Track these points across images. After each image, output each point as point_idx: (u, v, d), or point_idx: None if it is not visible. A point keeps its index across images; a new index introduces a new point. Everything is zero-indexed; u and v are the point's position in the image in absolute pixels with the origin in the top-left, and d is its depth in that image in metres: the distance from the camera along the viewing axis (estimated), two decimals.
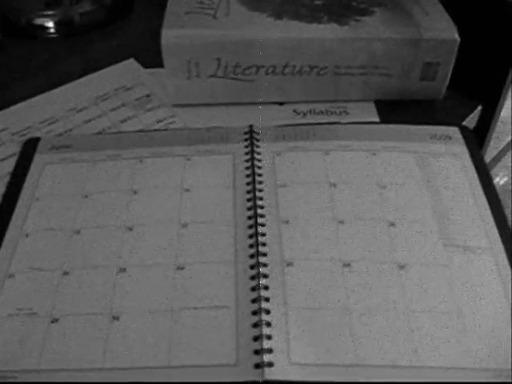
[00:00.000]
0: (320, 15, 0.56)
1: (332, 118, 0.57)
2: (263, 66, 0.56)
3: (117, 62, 0.65)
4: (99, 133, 0.56)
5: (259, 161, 0.52)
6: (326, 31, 0.55)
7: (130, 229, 0.47)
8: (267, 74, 0.57)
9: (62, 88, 0.61)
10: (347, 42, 0.55)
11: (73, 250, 0.46)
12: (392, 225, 0.47)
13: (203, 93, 0.58)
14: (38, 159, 0.53)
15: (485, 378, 0.38)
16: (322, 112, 0.58)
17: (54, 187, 0.51)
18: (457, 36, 0.54)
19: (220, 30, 0.55)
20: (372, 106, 0.58)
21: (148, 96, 0.60)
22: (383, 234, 0.46)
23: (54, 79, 0.63)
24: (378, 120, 0.57)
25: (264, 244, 0.45)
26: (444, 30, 0.55)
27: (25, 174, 0.52)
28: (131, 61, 0.64)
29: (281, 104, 0.59)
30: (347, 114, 0.58)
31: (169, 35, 0.54)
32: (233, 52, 0.55)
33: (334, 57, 0.56)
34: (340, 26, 0.55)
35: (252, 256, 0.44)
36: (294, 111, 0.58)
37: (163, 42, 0.54)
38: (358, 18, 0.56)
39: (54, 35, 0.71)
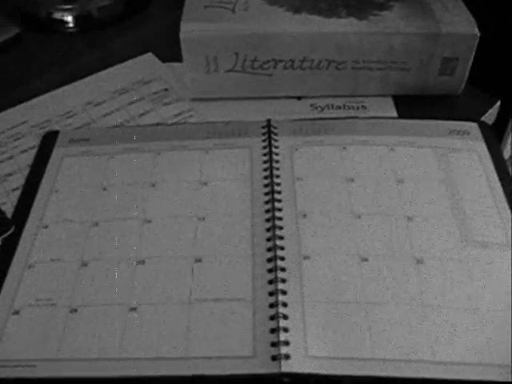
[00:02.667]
0: (339, 10, 0.56)
1: (350, 113, 0.57)
2: (281, 61, 0.56)
3: (135, 56, 0.65)
4: (117, 126, 0.56)
5: (277, 154, 0.52)
6: (344, 26, 0.55)
7: (149, 221, 0.47)
8: (285, 68, 0.57)
9: (80, 82, 0.62)
10: (366, 36, 0.54)
11: (91, 241, 0.46)
12: (410, 219, 0.47)
13: (221, 87, 0.58)
14: (57, 152, 0.54)
15: (500, 375, 0.38)
16: (339, 107, 0.58)
17: (73, 179, 0.51)
18: (476, 31, 0.54)
19: (238, 24, 0.55)
20: (390, 101, 0.58)
21: (166, 90, 0.60)
22: (401, 228, 0.46)
23: (72, 73, 0.63)
24: (395, 115, 0.57)
25: (281, 237, 0.45)
26: (463, 24, 0.55)
27: (44, 167, 0.53)
28: (149, 55, 0.65)
29: (299, 98, 0.59)
30: (365, 108, 0.58)
31: (188, 29, 0.55)
32: (251, 46, 0.55)
33: (353, 51, 0.55)
34: (359, 21, 0.55)
35: (269, 249, 0.44)
36: (312, 106, 0.58)
37: (182, 35, 0.55)
38: (376, 12, 0.56)
39: (72, 29, 0.71)
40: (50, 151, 0.54)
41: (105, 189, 0.50)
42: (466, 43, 0.55)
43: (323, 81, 0.58)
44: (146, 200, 0.49)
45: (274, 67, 0.57)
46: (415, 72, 0.57)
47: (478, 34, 0.54)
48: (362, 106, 0.58)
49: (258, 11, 0.56)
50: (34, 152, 0.54)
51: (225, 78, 0.57)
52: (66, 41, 0.70)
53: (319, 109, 0.58)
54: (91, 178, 0.51)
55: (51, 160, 0.53)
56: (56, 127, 0.57)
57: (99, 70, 0.63)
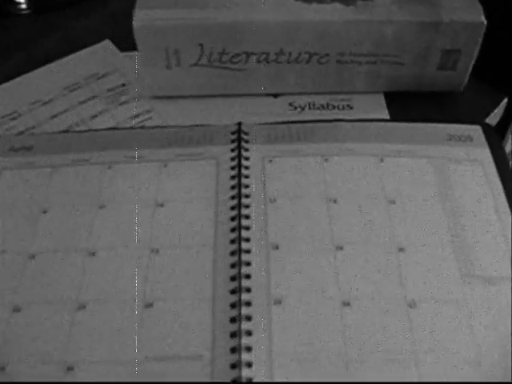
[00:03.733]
0: None
1: (334, 114, 0.49)
2: (254, 53, 0.48)
3: (92, 43, 0.56)
4: (65, 131, 0.49)
5: (247, 168, 0.44)
6: (328, 13, 0.47)
7: (93, 253, 0.40)
8: (259, 61, 0.49)
9: (29, 75, 0.53)
10: (353, 25, 0.46)
11: (25, 280, 0.39)
12: (401, 250, 0.40)
13: (185, 84, 0.50)
14: None
15: None
16: (322, 106, 0.50)
17: (10, 199, 0.44)
18: (483, 18, 0.46)
19: (201, 11, 0.47)
20: (381, 99, 0.51)
21: (123, 85, 0.52)
22: (391, 262, 0.39)
23: (21, 64, 0.55)
24: (387, 117, 0.49)
25: (248, 276, 0.38)
26: (468, 11, 0.46)
27: None
28: (106, 43, 0.56)
29: (275, 96, 0.51)
30: (351, 108, 0.50)
31: (142, 16, 0.46)
32: (217, 37, 0.47)
33: (338, 42, 0.47)
34: (345, 7, 0.47)
35: (233, 292, 0.38)
36: (290, 105, 0.50)
37: (135, 24, 0.46)
38: None
39: (25, 11, 0.63)
40: None
41: (45, 211, 0.43)
42: (471, 33, 0.47)
43: (303, 76, 0.50)
44: (92, 226, 0.42)
45: (246, 61, 0.49)
46: (410, 66, 0.49)
47: (485, 22, 0.46)
48: (348, 106, 0.50)
49: None
50: None
51: (188, 74, 0.49)
52: (17, 25, 0.61)
53: (299, 109, 0.50)
54: (31, 196, 0.44)
55: None
56: None
57: (52, 59, 0.55)
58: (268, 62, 0.49)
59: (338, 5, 0.47)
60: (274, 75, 0.50)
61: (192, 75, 0.49)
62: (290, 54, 0.48)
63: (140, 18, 0.46)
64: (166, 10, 0.47)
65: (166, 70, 0.49)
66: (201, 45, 0.47)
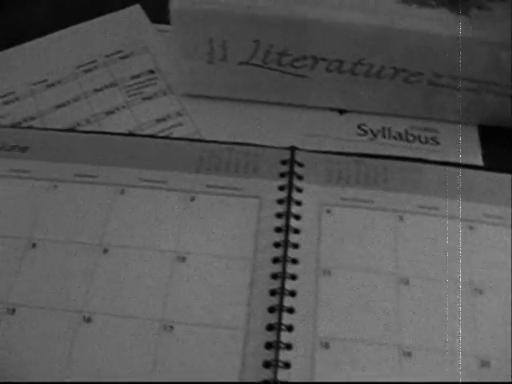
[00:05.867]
0: None
1: (414, 149, 0.39)
2: (324, 59, 0.37)
3: (119, 5, 0.45)
4: (71, 130, 0.38)
5: (297, 218, 0.34)
6: (431, 21, 0.35)
7: (88, 320, 0.31)
8: (329, 70, 0.37)
9: (29, 45, 0.42)
10: (463, 42, 0.35)
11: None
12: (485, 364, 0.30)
13: (229, 84, 0.39)
14: None
15: None
16: (399, 135, 0.39)
17: None
18: None
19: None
20: (474, 135, 0.39)
21: (151, 72, 0.41)
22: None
23: (19, 28, 0.44)
24: (480, 161, 0.38)
25: (287, 364, 0.29)
26: None
27: None
28: (136, 8, 0.44)
29: (341, 112, 0.40)
30: (437, 143, 0.39)
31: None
32: (280, 33, 0.36)
33: (437, 61, 0.36)
34: (454, 15, 0.35)
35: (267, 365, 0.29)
36: (360, 127, 0.39)
37: (173, 6, 0.35)
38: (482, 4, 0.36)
39: None
40: None
41: (34, 245, 0.33)
42: None
43: (382, 94, 0.39)
44: (91, 279, 0.32)
45: (312, 67, 0.37)
46: None
47: None
48: (433, 140, 0.39)
49: None
50: None
51: (235, 73, 0.38)
52: None
53: (370, 134, 0.39)
54: (19, 222, 0.34)
55: None
56: None
57: (65, 23, 0.44)
58: (340, 72, 0.37)
59: (445, 11, 0.35)
60: (345, 88, 0.38)
61: (239, 75, 0.38)
62: (370, 65, 0.37)
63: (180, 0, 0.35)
64: None
65: (207, 65, 0.38)
66: (256, 41, 0.36)
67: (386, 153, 0.38)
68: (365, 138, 0.39)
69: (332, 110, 0.40)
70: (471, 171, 0.37)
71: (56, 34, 0.43)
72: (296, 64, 0.37)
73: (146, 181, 0.36)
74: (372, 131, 0.39)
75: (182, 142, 0.37)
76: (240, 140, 0.38)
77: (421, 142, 0.39)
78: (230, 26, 0.36)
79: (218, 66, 0.38)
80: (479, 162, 0.38)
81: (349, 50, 0.36)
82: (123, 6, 0.44)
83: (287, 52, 0.37)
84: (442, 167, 0.37)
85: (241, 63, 0.38)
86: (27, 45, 0.42)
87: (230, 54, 0.37)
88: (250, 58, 0.37)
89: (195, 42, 0.37)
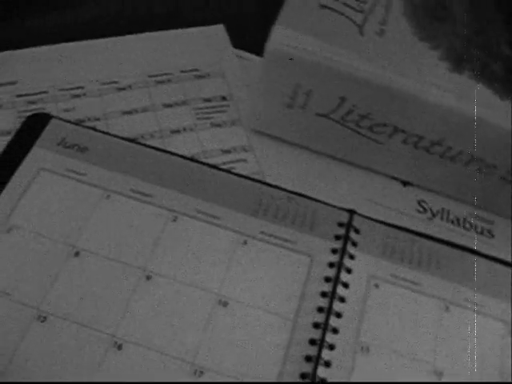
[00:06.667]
0: None
1: (468, 238, 0.38)
2: (404, 131, 0.36)
3: (201, 20, 0.44)
4: (135, 140, 0.37)
5: (345, 286, 0.33)
6: None
7: (119, 347, 0.30)
8: (405, 142, 0.37)
9: (108, 41, 0.42)
10: None
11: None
12: None
13: (302, 131, 0.39)
14: (34, 156, 0.36)
15: None
16: (457, 220, 0.38)
17: (37, 220, 0.33)
18: None
19: (362, 59, 0.34)
20: None
21: (223, 99, 0.40)
22: None
23: (96, 22, 0.43)
24: None
25: None
26: None
27: (6, 182, 0.35)
28: (220, 28, 0.44)
29: (404, 184, 0.39)
30: (492, 236, 0.38)
31: (280, 38, 0.34)
32: (369, 97, 0.35)
33: None
34: None
35: None
36: (420, 203, 0.39)
37: (269, 45, 0.34)
38: None
39: None
40: (26, 150, 0.36)
41: (77, 254, 0.33)
42: None
43: (452, 178, 0.38)
44: (128, 303, 0.31)
45: (390, 136, 0.37)
46: None
47: None
48: (488, 232, 0.38)
49: (398, 45, 0.35)
50: (5, 141, 0.36)
51: (311, 122, 0.38)
52: None
53: (429, 213, 0.38)
54: (66, 225, 0.33)
55: (20, 169, 0.35)
56: (49, 108, 0.38)
57: (145, 27, 0.43)
58: (416, 148, 0.37)
59: None
60: (416, 163, 0.38)
61: (314, 125, 0.38)
62: (448, 148, 0.36)
63: (278, 39, 0.34)
64: (313, 39, 0.34)
65: (285, 108, 0.37)
66: (342, 97, 0.35)
67: (442, 236, 0.37)
68: (423, 215, 0.38)
69: (395, 178, 0.39)
70: None
71: (132, 37, 0.42)
72: (375, 129, 0.37)
73: (200, 212, 0.35)
74: (431, 210, 0.39)
75: (244, 181, 0.36)
76: (300, 189, 0.37)
77: (476, 231, 0.38)
78: (322, 78, 0.35)
79: (295, 111, 0.37)
80: None
81: (433, 129, 0.35)
82: (206, 23, 0.44)
83: (370, 116, 0.36)
84: (493, 263, 0.37)
85: (319, 115, 0.37)
86: (102, 41, 0.42)
87: (311, 104, 0.36)
88: (330, 113, 0.36)
89: (281, 84, 0.36)
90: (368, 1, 0.37)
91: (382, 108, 0.35)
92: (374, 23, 0.36)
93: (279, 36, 0.34)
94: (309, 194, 0.37)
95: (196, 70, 0.41)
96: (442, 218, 0.38)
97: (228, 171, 0.37)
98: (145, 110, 0.39)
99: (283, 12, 0.36)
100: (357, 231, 0.36)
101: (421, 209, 0.39)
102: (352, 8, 0.36)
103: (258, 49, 0.39)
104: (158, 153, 0.37)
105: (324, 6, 0.36)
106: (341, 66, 0.34)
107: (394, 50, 0.35)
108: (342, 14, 0.36)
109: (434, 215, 0.38)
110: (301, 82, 0.35)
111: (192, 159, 0.37)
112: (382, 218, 0.37)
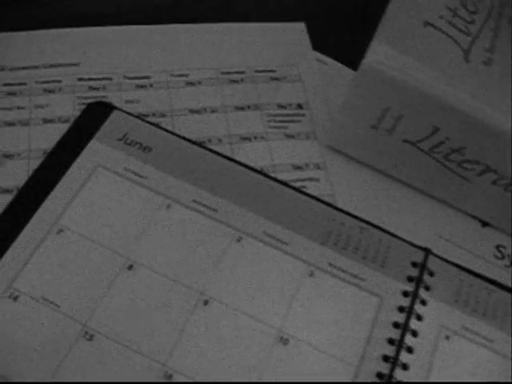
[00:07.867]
0: None
1: None
2: (496, 172, 0.33)
3: (283, 15, 0.40)
4: (202, 144, 0.34)
5: (414, 335, 0.31)
6: None
7: (170, 377, 0.28)
8: (495, 183, 0.34)
9: (177, 27, 0.38)
10: None
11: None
12: None
13: (382, 155, 0.35)
14: (92, 151, 0.33)
15: None
16: None
17: (90, 224, 0.31)
18: None
19: (464, 89, 0.31)
20: None
21: (299, 107, 0.37)
22: None
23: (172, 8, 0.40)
24: None
25: None
26: None
27: (60, 173, 0.32)
28: (301, 27, 0.40)
29: (484, 225, 0.36)
30: None
31: (377, 56, 0.31)
32: (466, 131, 0.32)
33: None
34: None
35: None
36: (497, 248, 0.36)
37: (365, 61, 0.31)
38: None
39: None
40: (84, 143, 0.33)
41: (131, 267, 0.30)
42: None
43: None
44: (182, 330, 0.29)
45: (480, 175, 0.34)
46: None
47: None
48: None
49: (505, 80, 0.32)
50: (62, 129, 0.33)
51: (395, 148, 0.34)
52: None
53: (506, 259, 0.35)
54: (121, 232, 0.31)
55: (76, 164, 0.32)
56: (112, 97, 0.35)
57: (228, 16, 0.40)
58: (505, 190, 0.34)
59: None
60: (501, 205, 0.35)
61: (398, 151, 0.34)
62: None
63: (374, 57, 0.31)
64: (413, 61, 0.31)
65: (368, 128, 0.34)
66: (436, 128, 0.32)
67: None
68: (500, 262, 0.35)
69: (475, 217, 0.36)
70: None
71: (206, 26, 0.39)
72: (464, 165, 0.33)
73: (268, 235, 0.32)
74: (510, 257, 0.36)
75: (316, 203, 0.33)
76: (371, 216, 0.34)
77: None
78: (417, 105, 0.32)
79: (380, 133, 0.34)
80: None
81: None
82: (286, 19, 0.40)
83: (461, 151, 0.33)
84: None
85: (406, 141, 0.34)
86: (174, 27, 0.38)
87: (399, 129, 0.33)
88: (419, 141, 0.33)
89: (370, 104, 0.33)
90: (475, 21, 0.34)
91: (478, 145, 0.32)
92: (480, 49, 0.33)
93: (376, 54, 0.31)
94: (381, 222, 0.34)
95: (272, 71, 0.38)
96: None
97: (300, 191, 0.34)
98: (214, 110, 0.36)
99: (382, 26, 0.32)
100: (431, 274, 0.33)
101: (499, 254, 0.36)
102: (458, 29, 0.33)
103: (337, 53, 0.36)
104: (227, 162, 0.34)
105: (428, 24, 0.33)
106: (441, 95, 0.31)
107: (500, 85, 0.32)
108: (448, 34, 0.33)
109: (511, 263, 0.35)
110: (392, 106, 0.32)
111: (263, 173, 0.34)
112: (456, 260, 0.34)
